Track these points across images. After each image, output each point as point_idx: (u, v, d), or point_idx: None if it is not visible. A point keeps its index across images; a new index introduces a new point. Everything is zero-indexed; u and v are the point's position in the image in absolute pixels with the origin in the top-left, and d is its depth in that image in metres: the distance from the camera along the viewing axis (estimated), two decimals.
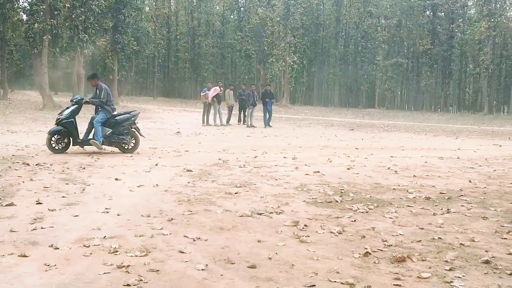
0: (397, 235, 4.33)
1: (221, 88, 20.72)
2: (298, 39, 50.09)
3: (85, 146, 9.87)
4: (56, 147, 9.56)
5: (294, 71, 47.46)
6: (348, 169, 8.29)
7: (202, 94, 20.39)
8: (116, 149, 10.10)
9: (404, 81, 60.71)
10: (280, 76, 49.09)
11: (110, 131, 9.82)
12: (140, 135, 10.22)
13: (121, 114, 10.18)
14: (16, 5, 36.24)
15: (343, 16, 57.57)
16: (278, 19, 47.04)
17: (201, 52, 61.20)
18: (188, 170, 7.68)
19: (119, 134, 9.87)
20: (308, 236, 4.21)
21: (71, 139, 9.67)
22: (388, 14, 54.64)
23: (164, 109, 34.01)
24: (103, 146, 9.75)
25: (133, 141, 10.11)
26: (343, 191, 6.27)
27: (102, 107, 9.91)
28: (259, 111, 22.58)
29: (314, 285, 3.11)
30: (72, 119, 9.63)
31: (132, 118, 10.09)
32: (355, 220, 4.80)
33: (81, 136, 9.77)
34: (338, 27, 58.86)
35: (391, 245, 4.00)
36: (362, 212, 5.15)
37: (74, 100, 9.93)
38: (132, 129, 10.03)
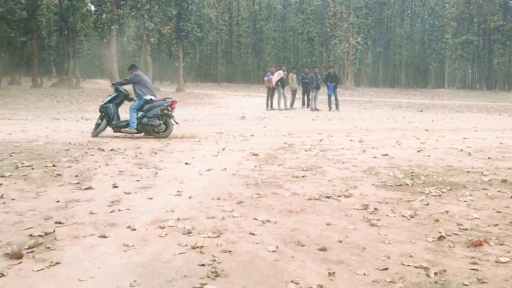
0: (472, 218, 4.18)
1: (285, 72, 20.60)
2: (362, 19, 48.91)
3: (118, 132, 10.50)
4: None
5: (358, 52, 46.48)
6: (418, 151, 8.06)
7: (265, 78, 20.40)
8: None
9: (475, 60, 57.90)
10: (344, 58, 48.23)
11: (141, 113, 10.28)
12: (175, 122, 10.50)
13: (156, 101, 10.51)
14: None
15: None
16: None
17: (263, 37, 61.28)
18: (254, 154, 7.75)
19: (150, 117, 10.21)
20: (379, 219, 4.15)
21: (106, 122, 10.40)
22: None
23: (228, 94, 34.45)
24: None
25: (163, 126, 10.35)
26: (413, 174, 6.10)
27: (137, 95, 10.50)
28: (323, 94, 22.35)
29: (387, 268, 3.07)
30: (110, 104, 10.40)
31: (165, 104, 10.36)
32: (427, 204, 4.67)
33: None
34: (404, 5, 56.84)
35: (467, 229, 3.87)
36: (435, 195, 5.00)
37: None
38: (165, 115, 10.29)
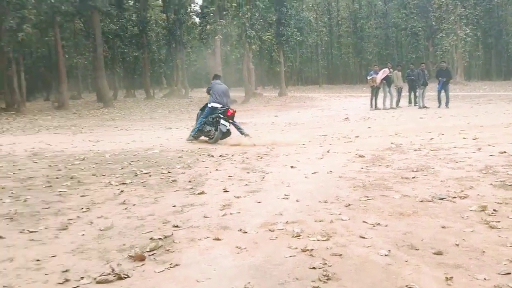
0: None
1: (390, 69, 19.94)
2: (470, 9, 45.95)
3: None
4: None
5: (467, 45, 43.72)
6: None
7: (368, 78, 19.94)
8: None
9: None
10: (452, 52, 45.65)
11: (203, 121, 10.90)
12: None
13: (220, 109, 10.77)
14: (189, 9, 39.70)
15: None
16: None
17: (363, 35, 60.03)
18: (360, 156, 7.63)
19: (208, 124, 10.79)
20: (499, 221, 3.89)
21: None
22: None
23: (330, 96, 34.19)
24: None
25: (214, 132, 10.70)
26: None
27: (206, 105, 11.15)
28: (431, 91, 21.34)
29: (510, 273, 2.88)
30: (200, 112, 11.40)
31: (218, 111, 10.64)
32: None
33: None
34: None
35: None
36: None
37: None
38: (217, 122, 10.62)
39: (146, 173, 6.79)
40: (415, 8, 52.74)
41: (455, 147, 8.07)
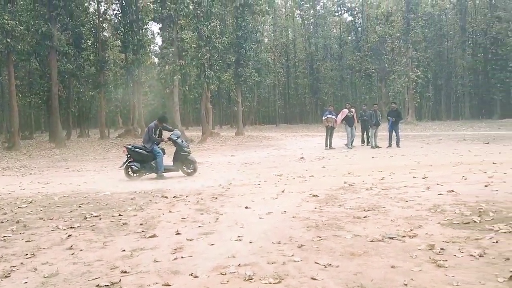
0: None
1: (351, 110, 20.37)
2: (421, 52, 48.30)
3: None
4: None
5: (418, 86, 45.61)
6: (485, 186, 7.70)
7: (323, 118, 20.39)
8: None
9: None
10: (404, 93, 47.47)
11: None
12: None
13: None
14: (148, 50, 39.84)
15: (468, 24, 54.35)
16: (398, 34, 45.86)
17: (319, 76, 61.65)
18: (314, 196, 7.70)
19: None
20: (446, 260, 3.99)
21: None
22: None
23: (286, 136, 34.58)
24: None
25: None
26: (481, 210, 5.83)
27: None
28: (384, 131, 21.96)
29: None
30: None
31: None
32: (497, 242, 4.44)
33: None
34: (464, 36, 55.59)
35: None
36: (505, 232, 4.75)
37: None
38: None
39: (96, 216, 6.62)
40: (369, 51, 54.93)
41: (405, 186, 8.28)
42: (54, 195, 8.89)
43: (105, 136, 38.79)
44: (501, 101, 52.96)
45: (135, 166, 11.67)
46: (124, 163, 11.88)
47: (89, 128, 49.93)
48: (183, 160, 11.97)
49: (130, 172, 11.70)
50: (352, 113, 20.20)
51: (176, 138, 11.82)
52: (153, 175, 11.83)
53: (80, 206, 7.56)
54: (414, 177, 9.38)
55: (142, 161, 11.73)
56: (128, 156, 11.82)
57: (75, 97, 41.75)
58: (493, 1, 50.97)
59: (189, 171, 11.97)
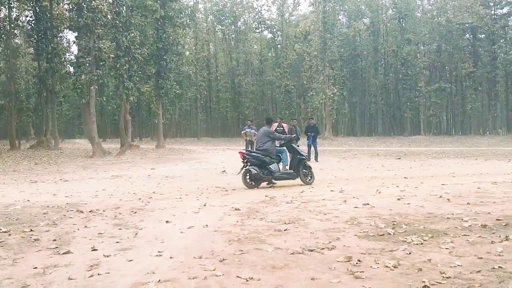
0: (455, 266, 4.18)
1: (281, 124, 20.08)
2: (337, 71, 50.39)
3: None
4: None
5: (335, 103, 47.47)
6: (398, 199, 8.10)
7: (242, 132, 20.64)
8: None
9: (449, 106, 59.66)
10: (321, 109, 49.19)
11: None
12: None
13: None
14: (63, 58, 38.20)
15: (381, 46, 57.63)
16: (316, 53, 47.64)
17: (241, 91, 62.35)
18: (236, 209, 7.70)
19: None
20: (363, 271, 4.13)
21: None
22: (427, 40, 54.37)
23: (208, 149, 34.51)
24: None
25: None
26: (395, 222, 6.12)
27: None
28: (302, 145, 22.50)
29: None
30: None
31: None
32: (410, 253, 4.67)
33: None
34: (377, 57, 58.83)
35: (450, 277, 3.87)
36: (417, 243, 5.01)
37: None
38: None
39: (5, 232, 6.18)
40: (288, 67, 56.50)
41: (323, 199, 8.50)
42: None
43: (15, 147, 36.52)
44: (411, 118, 56.46)
45: (254, 169, 10.92)
46: (242, 168, 11.18)
47: None
48: (302, 166, 11.50)
49: (249, 180, 11.04)
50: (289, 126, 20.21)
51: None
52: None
53: None
54: (331, 191, 9.67)
55: (259, 165, 11.05)
56: (245, 161, 11.14)
57: None
58: (403, 25, 54.40)
59: (308, 179, 11.51)
